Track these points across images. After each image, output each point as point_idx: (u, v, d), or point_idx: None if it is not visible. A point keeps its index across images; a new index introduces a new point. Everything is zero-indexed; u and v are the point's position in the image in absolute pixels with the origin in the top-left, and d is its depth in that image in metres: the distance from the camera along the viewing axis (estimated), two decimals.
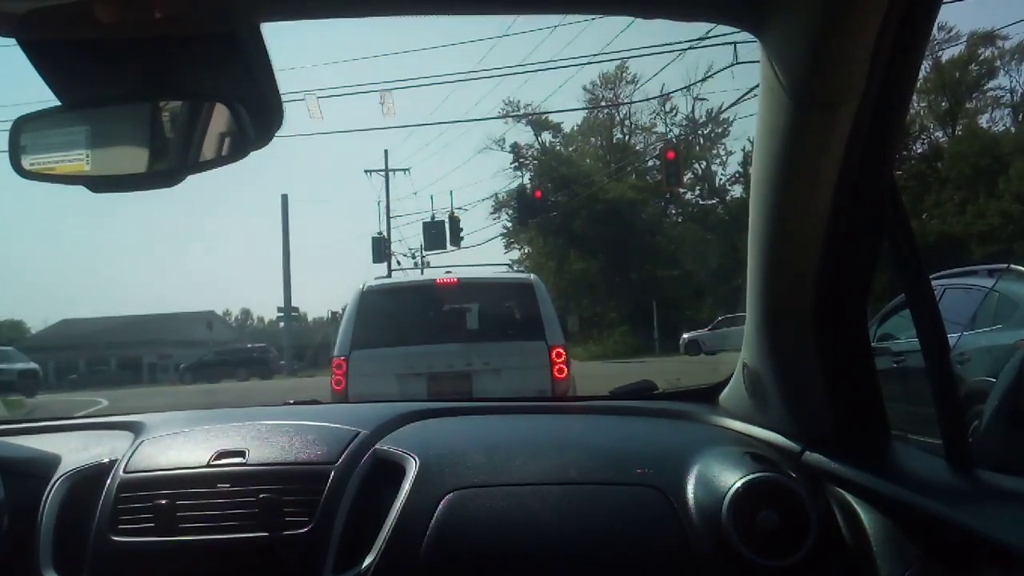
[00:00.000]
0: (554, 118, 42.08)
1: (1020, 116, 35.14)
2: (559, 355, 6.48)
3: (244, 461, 1.50)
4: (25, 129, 1.04)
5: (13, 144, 1.03)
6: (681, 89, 37.27)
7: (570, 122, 44.45)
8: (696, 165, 40.13)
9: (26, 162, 1.03)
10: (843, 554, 1.30)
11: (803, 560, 1.27)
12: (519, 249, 42.28)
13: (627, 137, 43.50)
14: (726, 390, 1.77)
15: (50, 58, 0.94)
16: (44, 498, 1.50)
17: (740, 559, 1.28)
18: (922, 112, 33.97)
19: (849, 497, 1.33)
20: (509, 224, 40.89)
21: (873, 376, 1.37)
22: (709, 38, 16.72)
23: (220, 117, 0.99)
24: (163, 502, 1.41)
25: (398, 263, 31.24)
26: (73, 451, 1.63)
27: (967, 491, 1.21)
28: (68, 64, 0.96)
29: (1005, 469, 1.23)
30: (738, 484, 1.32)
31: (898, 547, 1.23)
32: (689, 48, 19.09)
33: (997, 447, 1.50)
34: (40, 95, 1.08)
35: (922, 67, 1.19)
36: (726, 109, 36.04)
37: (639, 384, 2.10)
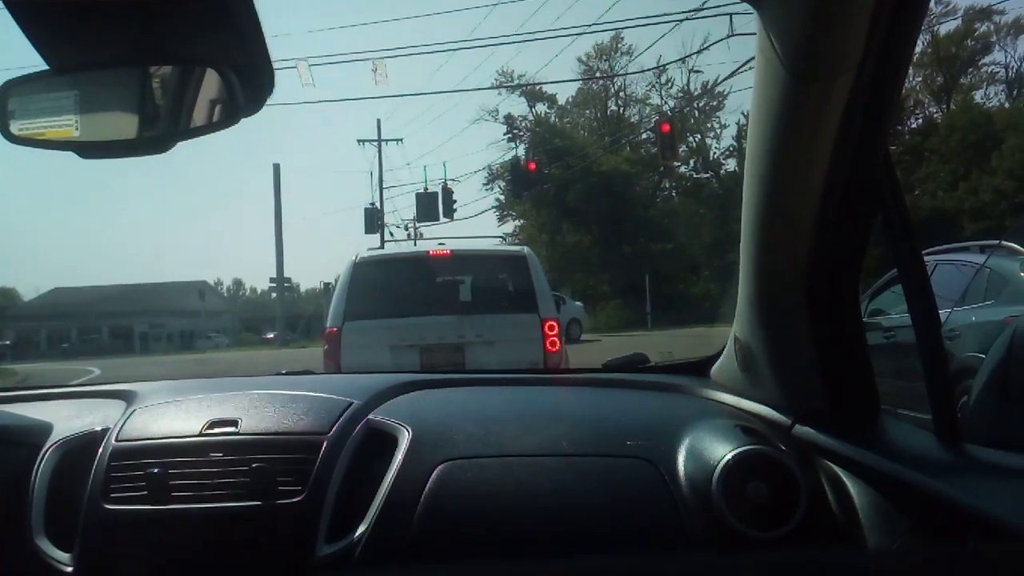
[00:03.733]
0: (548, 89, 41.94)
1: (1014, 92, 35.10)
2: (552, 328, 6.49)
3: (237, 430, 1.50)
4: (13, 94, 1.02)
5: (1, 109, 1.02)
6: (676, 61, 37.14)
7: (564, 94, 44.26)
8: (691, 138, 40.03)
9: (15, 127, 1.02)
10: (832, 526, 1.31)
11: (792, 532, 1.28)
12: (513, 221, 42.28)
13: (622, 109, 43.35)
14: (717, 363, 1.78)
15: (38, 21, 0.93)
16: (36, 466, 1.50)
17: (730, 530, 1.29)
18: (918, 87, 33.92)
19: (838, 470, 1.34)
20: (502, 196, 40.84)
21: (864, 351, 1.37)
22: (705, 9, 16.59)
23: (211, 83, 0.98)
24: (155, 471, 1.41)
25: (391, 234, 31.11)
26: (65, 419, 1.63)
27: (955, 465, 1.22)
28: (56, 27, 0.94)
29: (993, 443, 1.24)
30: (728, 456, 1.33)
31: (886, 519, 1.24)
32: (685, 19, 18.94)
33: (985, 422, 1.51)
34: (28, 59, 1.06)
35: (918, 41, 1.18)
36: (722, 81, 35.98)
37: (631, 357, 2.11)
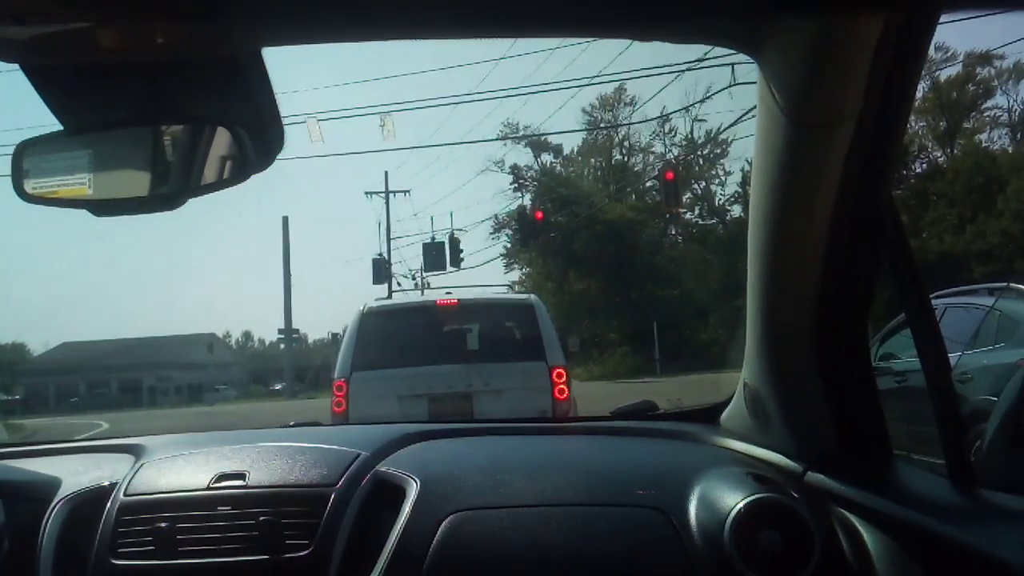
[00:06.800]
0: (554, 139, 42.39)
1: (1018, 135, 35.32)
2: (560, 375, 6.47)
3: (244, 484, 1.49)
4: (27, 153, 1.04)
5: (16, 168, 1.04)
6: (680, 110, 37.53)
7: (569, 144, 44.75)
8: (695, 185, 40.29)
9: (28, 186, 1.04)
10: (846, 574, 1.29)
11: None
12: (519, 270, 42.39)
13: (626, 158, 43.70)
14: (727, 410, 1.77)
15: (53, 83, 0.95)
16: (44, 521, 1.50)
17: None
18: (921, 132, 34.18)
19: (852, 517, 1.32)
20: (509, 245, 41.02)
21: (875, 395, 1.37)
22: (707, 59, 16.80)
23: (221, 140, 1.00)
24: (163, 525, 1.41)
25: (398, 284, 31.16)
26: (73, 474, 1.62)
27: (970, 510, 1.20)
28: (71, 89, 0.97)
29: (1008, 488, 1.22)
30: (740, 505, 1.31)
31: (901, 567, 1.22)
32: (687, 70, 19.17)
33: (999, 466, 1.49)
34: (42, 120, 1.09)
35: (920, 87, 1.20)
36: (725, 129, 36.22)
37: (640, 404, 2.10)
